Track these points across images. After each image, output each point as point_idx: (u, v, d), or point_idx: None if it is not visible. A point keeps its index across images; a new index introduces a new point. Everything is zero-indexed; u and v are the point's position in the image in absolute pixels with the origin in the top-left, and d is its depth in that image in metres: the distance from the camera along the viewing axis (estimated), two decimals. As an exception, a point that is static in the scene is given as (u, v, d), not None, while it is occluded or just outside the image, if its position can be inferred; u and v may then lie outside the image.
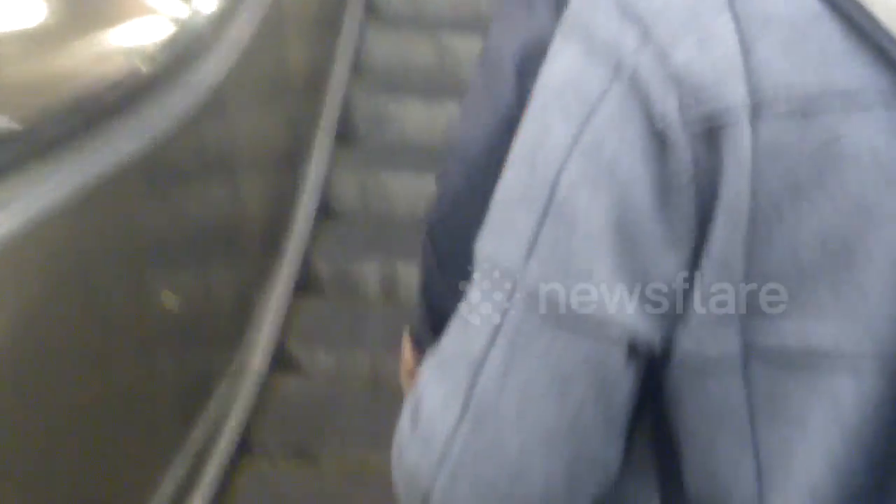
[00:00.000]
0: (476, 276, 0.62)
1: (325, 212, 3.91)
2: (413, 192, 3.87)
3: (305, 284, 3.60)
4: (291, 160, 3.76)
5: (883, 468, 0.56)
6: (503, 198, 0.63)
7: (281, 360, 3.29)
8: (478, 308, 0.62)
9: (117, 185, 2.03)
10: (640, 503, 0.68)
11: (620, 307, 0.58)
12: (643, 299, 0.58)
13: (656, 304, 0.59)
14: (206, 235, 2.76)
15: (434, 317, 1.21)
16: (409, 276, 3.52)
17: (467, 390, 0.61)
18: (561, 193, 0.58)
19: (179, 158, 2.48)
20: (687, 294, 0.58)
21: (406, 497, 0.65)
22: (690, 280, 0.58)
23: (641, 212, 0.57)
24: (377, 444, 2.90)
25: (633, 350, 0.60)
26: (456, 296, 0.64)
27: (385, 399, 3.08)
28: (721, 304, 0.57)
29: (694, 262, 0.58)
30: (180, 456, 2.56)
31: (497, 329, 0.60)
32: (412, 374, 1.29)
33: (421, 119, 4.20)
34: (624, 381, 0.60)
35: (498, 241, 0.61)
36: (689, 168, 0.56)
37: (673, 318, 0.59)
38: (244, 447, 2.95)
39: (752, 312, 0.57)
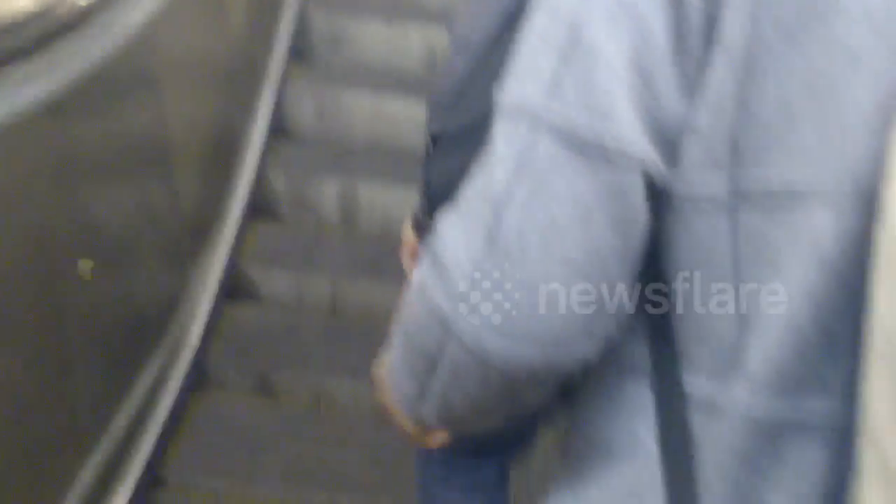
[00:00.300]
0: (497, 121, 0.63)
1: (282, 133, 3.70)
2: (372, 112, 3.70)
3: (261, 208, 3.40)
4: (241, 82, 3.51)
5: (856, 296, 0.58)
6: (525, 45, 0.64)
7: (237, 286, 3.10)
8: (500, 149, 0.62)
9: (26, 129, 1.81)
10: (631, 356, 0.68)
11: (637, 139, 0.59)
12: (655, 135, 0.60)
13: (665, 141, 0.60)
14: (147, 161, 2.54)
15: (433, 203, 1.28)
16: (369, 197, 3.35)
17: (491, 224, 0.61)
18: (582, 33, 0.60)
19: (114, 87, 2.26)
20: (687, 134, 0.60)
21: (425, 336, 0.66)
22: (692, 120, 0.60)
23: (657, 51, 0.59)
24: (335, 371, 2.79)
25: (648, 184, 0.61)
26: (455, 180, 0.65)
27: (344, 326, 2.93)
28: (712, 147, 0.59)
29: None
30: (135, 388, 2.41)
31: (522, 164, 0.61)
32: (414, 254, 1.38)
33: (380, 40, 4.04)
34: (640, 215, 0.61)
35: (521, 83, 0.62)
36: (700, 9, 0.58)
37: (675, 157, 0.61)
38: (199, 378, 2.77)
39: (740, 156, 0.59)
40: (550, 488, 0.74)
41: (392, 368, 0.75)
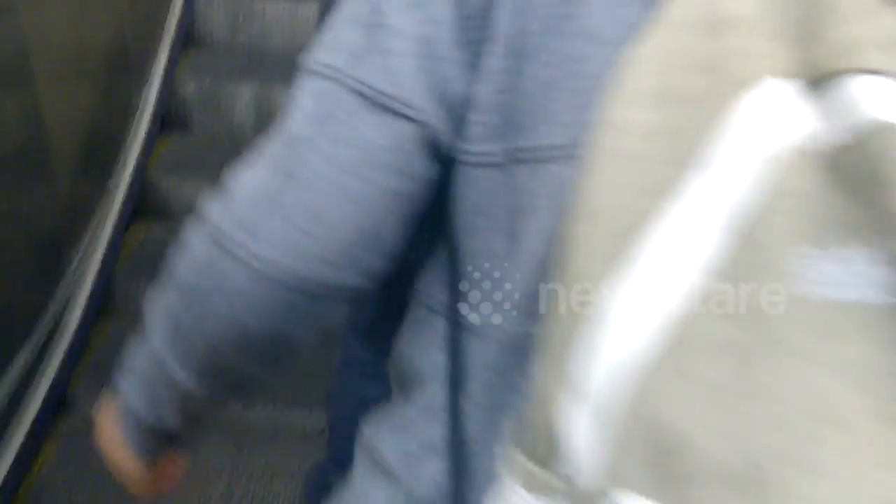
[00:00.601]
0: (307, 79, 0.71)
1: (195, 44, 3.49)
2: (289, 20, 3.49)
3: (173, 120, 3.21)
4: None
5: None
6: (337, 19, 0.72)
7: (146, 202, 2.92)
8: (307, 102, 0.70)
9: None
10: (431, 296, 0.78)
11: (422, 107, 0.69)
12: (441, 105, 0.69)
13: (452, 112, 0.69)
14: (22, 77, 2.34)
15: None
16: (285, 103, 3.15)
17: (290, 162, 0.69)
18: (383, 14, 0.70)
19: None
20: (470, 106, 0.69)
21: (203, 275, 0.72)
22: (473, 95, 0.69)
23: (444, 36, 0.69)
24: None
25: (430, 143, 0.70)
26: None
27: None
28: (491, 119, 0.69)
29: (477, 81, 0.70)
30: (39, 317, 2.31)
31: (325, 115, 0.69)
32: None
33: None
34: (420, 169, 0.70)
35: (329, 49, 0.71)
36: (478, 4, 0.68)
37: (460, 125, 0.70)
38: (107, 300, 2.61)
39: (513, 125, 0.69)
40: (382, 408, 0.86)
41: (138, 356, 0.82)
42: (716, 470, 0.51)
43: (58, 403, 2.36)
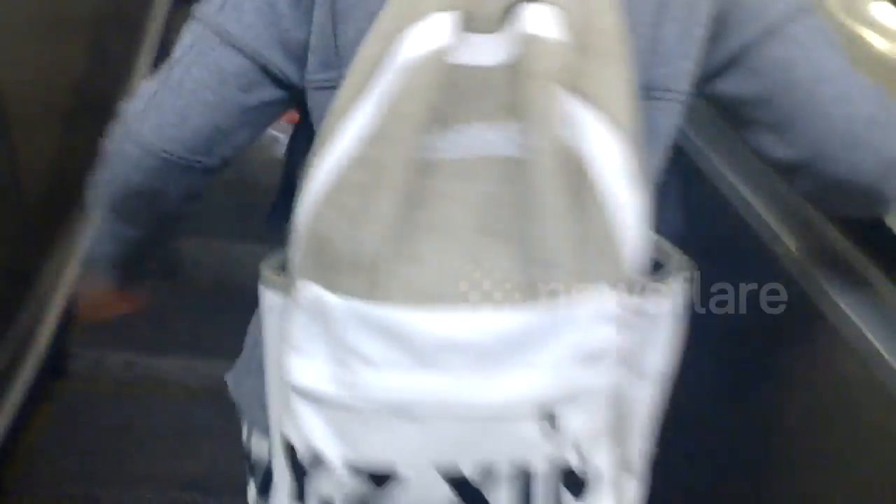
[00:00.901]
0: (188, 24, 1.00)
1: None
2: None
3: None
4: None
5: None
6: None
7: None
8: (185, 37, 1.00)
9: None
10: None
11: (264, 49, 0.98)
12: (283, 48, 0.98)
13: (292, 53, 0.98)
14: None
15: None
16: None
17: (165, 75, 1.00)
18: None
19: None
20: (307, 48, 0.97)
21: (115, 147, 1.04)
22: (309, 41, 0.97)
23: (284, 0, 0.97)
24: (244, 240, 2.59)
25: (271, 75, 0.99)
26: None
27: (250, 193, 2.71)
28: (324, 57, 0.97)
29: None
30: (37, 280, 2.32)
31: (193, 45, 0.99)
32: None
33: None
34: (258, 89, 1.00)
35: (205, 3, 1.00)
36: None
37: (302, 62, 0.98)
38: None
39: (340, 60, 0.95)
40: None
41: (94, 217, 1.14)
42: (346, 261, 0.85)
43: (53, 368, 2.37)
